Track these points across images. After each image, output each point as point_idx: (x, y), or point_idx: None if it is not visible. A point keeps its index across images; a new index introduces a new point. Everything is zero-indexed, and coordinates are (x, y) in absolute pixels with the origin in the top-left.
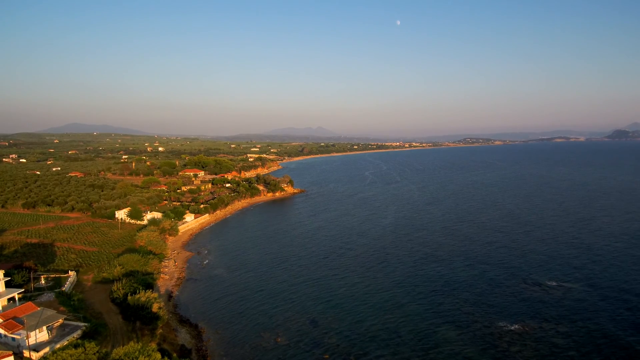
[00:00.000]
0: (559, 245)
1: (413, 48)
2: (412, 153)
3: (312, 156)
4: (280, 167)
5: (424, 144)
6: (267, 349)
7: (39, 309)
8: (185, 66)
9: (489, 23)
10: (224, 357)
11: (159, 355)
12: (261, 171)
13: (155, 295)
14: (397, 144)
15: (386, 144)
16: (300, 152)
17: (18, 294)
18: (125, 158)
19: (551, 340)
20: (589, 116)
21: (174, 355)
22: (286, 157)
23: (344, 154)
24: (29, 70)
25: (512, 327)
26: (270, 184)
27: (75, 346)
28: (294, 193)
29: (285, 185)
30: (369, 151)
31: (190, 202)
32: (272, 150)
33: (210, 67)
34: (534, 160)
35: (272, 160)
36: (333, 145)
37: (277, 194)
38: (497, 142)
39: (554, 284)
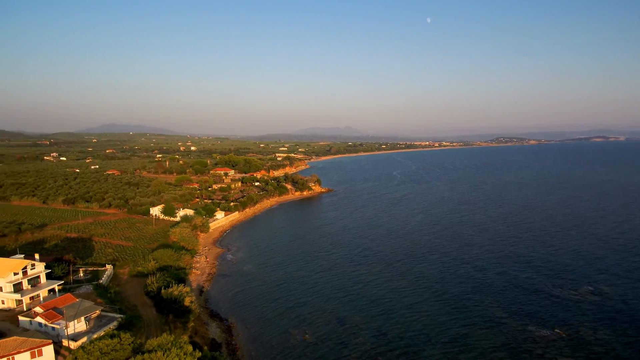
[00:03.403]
0: (599, 249)
1: (444, 45)
2: (442, 153)
3: (340, 156)
4: (307, 166)
5: (454, 144)
6: (295, 346)
7: (77, 300)
8: (217, 68)
9: (523, 19)
10: (253, 352)
11: (190, 348)
12: (289, 170)
13: (187, 289)
14: (427, 143)
15: (415, 143)
16: (327, 151)
17: (58, 285)
18: (159, 157)
19: (590, 347)
20: (629, 115)
21: (205, 348)
22: (314, 157)
23: (372, 153)
24: (68, 72)
25: (548, 333)
26: (298, 183)
27: (112, 337)
28: (322, 192)
29: (313, 184)
30: (397, 151)
31: (220, 200)
32: (299, 149)
33: (241, 68)
34: (570, 160)
35: (299, 160)
36: (361, 145)
37: (304, 192)
38: (531, 142)
39: (590, 288)
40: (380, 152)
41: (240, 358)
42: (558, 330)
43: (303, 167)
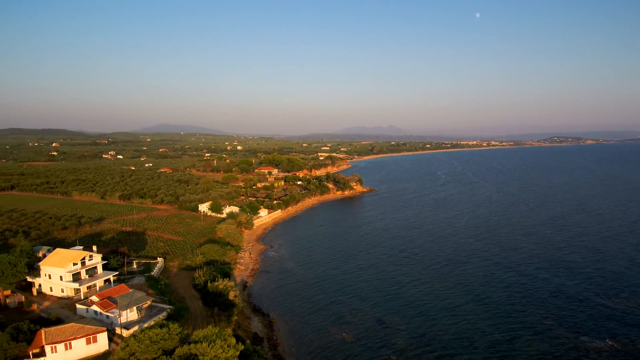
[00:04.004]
0: None
1: (492, 42)
2: (490, 152)
3: (382, 155)
4: (349, 165)
5: (504, 143)
6: (334, 344)
7: (130, 290)
8: (262, 69)
9: (581, 14)
10: (293, 348)
11: (234, 341)
12: (331, 170)
13: (232, 284)
14: (474, 142)
15: (461, 142)
16: (370, 151)
17: (113, 276)
18: (207, 156)
19: None
20: None
21: (248, 342)
22: (356, 156)
23: (416, 153)
24: (126, 75)
25: (600, 344)
26: (340, 182)
27: (161, 326)
28: (363, 192)
29: (355, 183)
30: (442, 150)
31: (264, 198)
32: (342, 149)
33: (286, 69)
34: (630, 162)
35: (341, 159)
36: (404, 144)
37: (346, 192)
38: (588, 142)
39: None
40: (424, 152)
41: (280, 353)
42: (612, 342)
43: (345, 167)
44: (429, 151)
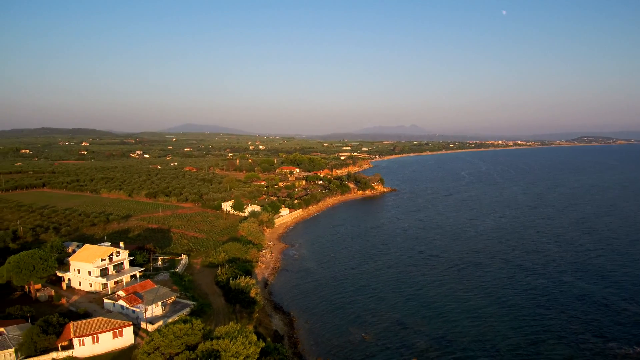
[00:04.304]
0: None
1: (518, 39)
2: (516, 152)
3: (404, 155)
4: (371, 165)
5: (530, 143)
6: (355, 344)
7: (155, 286)
8: (282, 70)
9: (608, 10)
10: (313, 347)
11: (255, 338)
12: (352, 169)
13: (253, 281)
14: (499, 142)
15: (486, 142)
16: (391, 150)
17: (139, 272)
18: (230, 155)
19: None
20: None
21: (268, 339)
22: (377, 156)
23: (439, 153)
24: (152, 76)
25: (630, 351)
26: (361, 182)
27: (184, 322)
28: (385, 192)
29: (376, 183)
30: (466, 150)
31: (285, 197)
32: (363, 148)
33: (309, 69)
34: None
35: (363, 159)
36: (427, 144)
37: (367, 192)
38: (619, 142)
39: None
40: (447, 152)
41: (301, 352)
42: None
43: (366, 167)
44: (453, 151)
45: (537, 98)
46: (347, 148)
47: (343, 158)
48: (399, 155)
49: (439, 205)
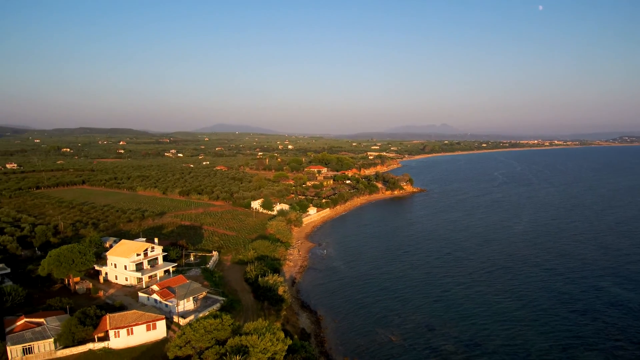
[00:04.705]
0: None
1: (555, 36)
2: (553, 152)
3: (435, 155)
4: (399, 165)
5: (568, 143)
6: (382, 345)
7: (187, 281)
8: (312, 70)
9: None
10: (340, 347)
11: (282, 335)
12: (380, 169)
13: (281, 279)
14: (535, 142)
15: (521, 142)
16: (421, 150)
17: (172, 267)
18: (260, 155)
19: None
20: None
21: (296, 337)
22: (406, 156)
23: (471, 152)
24: (186, 77)
25: None
26: (389, 182)
27: (215, 317)
28: (414, 192)
29: (405, 183)
30: (499, 150)
31: (313, 196)
32: (392, 148)
33: (336, 70)
34: None
35: (391, 159)
36: (458, 144)
37: (395, 192)
38: None
39: None
40: (480, 152)
41: (327, 351)
42: None
43: (395, 166)
44: (485, 150)
45: (577, 96)
46: (376, 147)
47: (371, 157)
48: (429, 155)
49: (469, 206)
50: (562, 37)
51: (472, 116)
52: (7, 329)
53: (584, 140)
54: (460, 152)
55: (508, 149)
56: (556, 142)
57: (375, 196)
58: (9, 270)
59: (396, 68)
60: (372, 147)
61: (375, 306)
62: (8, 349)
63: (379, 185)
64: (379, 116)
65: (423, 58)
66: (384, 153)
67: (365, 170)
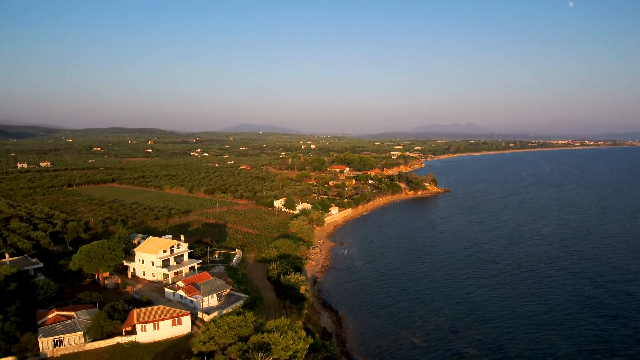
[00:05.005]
0: None
1: (586, 32)
2: (584, 152)
3: (460, 155)
4: (423, 165)
5: (600, 143)
6: (403, 347)
7: (212, 278)
8: (335, 70)
9: None
10: (362, 347)
11: (304, 333)
12: (403, 169)
13: (303, 278)
14: (565, 142)
15: (550, 142)
16: (446, 150)
17: (197, 264)
18: (283, 154)
19: None
20: None
21: (317, 336)
22: (430, 155)
23: (497, 152)
24: (211, 78)
25: None
26: (412, 182)
27: (238, 314)
28: (437, 192)
29: (428, 184)
30: (527, 150)
31: (335, 196)
32: (415, 148)
33: (358, 69)
34: None
35: (415, 159)
36: (484, 143)
37: (419, 192)
38: None
39: None
40: (507, 152)
41: (349, 351)
42: None
43: (418, 166)
44: (513, 150)
45: (610, 95)
46: (399, 147)
47: (394, 157)
48: (454, 155)
49: (495, 208)
50: (594, 33)
51: (499, 115)
52: (39, 322)
53: (616, 141)
54: (486, 152)
55: (536, 149)
56: (587, 142)
57: (398, 196)
58: (41, 264)
59: (421, 67)
60: (395, 147)
61: (397, 307)
62: (40, 341)
63: (402, 185)
64: (402, 115)
65: (449, 56)
66: (407, 153)
67: (388, 170)
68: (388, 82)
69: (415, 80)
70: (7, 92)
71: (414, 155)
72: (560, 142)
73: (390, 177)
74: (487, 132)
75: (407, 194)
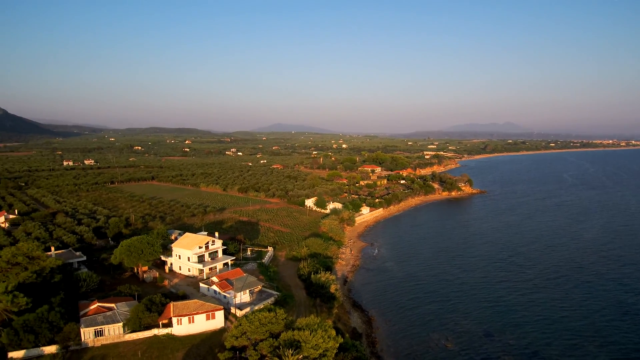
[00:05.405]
0: None
1: (633, 28)
2: (629, 153)
3: (497, 154)
4: (458, 165)
5: None
6: (436, 350)
7: (244, 274)
8: (368, 69)
9: None
10: (392, 349)
11: (334, 332)
12: (437, 169)
13: (333, 277)
14: (610, 142)
15: (594, 141)
16: (482, 149)
17: (231, 260)
18: (314, 154)
19: None
20: None
21: (347, 335)
22: (465, 155)
23: (537, 152)
24: (247, 78)
25: None
26: (446, 183)
27: (269, 310)
28: (473, 193)
29: (463, 184)
30: (569, 150)
31: (366, 196)
32: (450, 147)
33: (392, 66)
34: None
35: (449, 158)
36: (523, 143)
37: (453, 193)
38: None
39: None
40: (547, 152)
41: (379, 352)
42: None
43: (453, 166)
44: (553, 150)
45: None
46: (433, 147)
47: (428, 157)
48: (491, 155)
49: (533, 210)
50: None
51: (539, 114)
52: (81, 312)
53: None
54: (525, 152)
55: (579, 149)
56: (634, 142)
57: (431, 197)
58: (84, 258)
59: (456, 65)
60: (429, 147)
61: (428, 309)
62: (82, 330)
63: (435, 185)
64: (436, 114)
65: (486, 54)
66: (441, 152)
67: (420, 170)
68: (422, 80)
69: (450, 78)
70: (56, 93)
71: (448, 155)
72: (605, 142)
73: (423, 177)
74: (526, 131)
75: (441, 194)
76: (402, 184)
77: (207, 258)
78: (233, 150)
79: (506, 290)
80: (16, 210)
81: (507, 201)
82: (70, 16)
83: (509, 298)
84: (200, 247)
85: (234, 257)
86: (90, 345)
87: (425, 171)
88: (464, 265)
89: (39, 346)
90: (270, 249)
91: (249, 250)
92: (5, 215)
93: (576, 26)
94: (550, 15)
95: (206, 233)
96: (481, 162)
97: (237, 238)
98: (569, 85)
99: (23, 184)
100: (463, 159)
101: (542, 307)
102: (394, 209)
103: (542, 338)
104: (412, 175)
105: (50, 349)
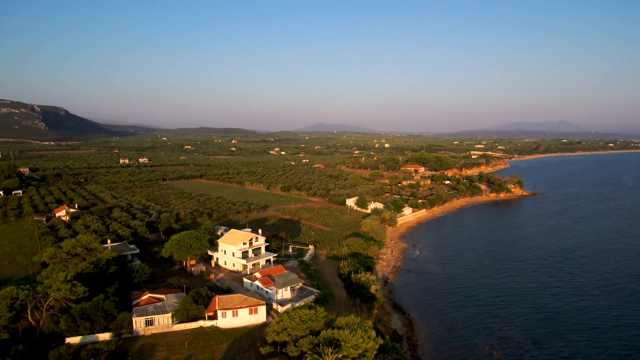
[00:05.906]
0: None
1: None
2: None
3: (550, 155)
4: (507, 165)
5: None
6: (480, 357)
7: (286, 271)
8: (411, 68)
9: None
10: (434, 353)
11: (374, 333)
12: (485, 169)
13: (374, 278)
14: None
15: None
16: (534, 149)
17: (273, 257)
18: (356, 153)
19: None
20: None
21: (387, 337)
22: (516, 155)
23: (594, 153)
24: (290, 79)
25: None
26: (494, 184)
27: (309, 308)
28: (523, 195)
29: (513, 186)
30: (630, 150)
31: (409, 196)
32: (499, 147)
33: (437, 63)
34: None
35: (498, 158)
36: (579, 143)
37: (501, 194)
38: None
39: None
40: (605, 152)
41: (420, 356)
42: None
43: (502, 167)
44: (612, 151)
45: None
46: (480, 146)
47: (474, 157)
48: (543, 155)
49: (588, 213)
50: None
51: (597, 112)
52: (134, 302)
53: None
54: (581, 153)
55: None
56: None
57: (478, 198)
58: (137, 250)
59: (506, 61)
60: (476, 146)
61: (472, 313)
62: (134, 319)
63: (483, 186)
64: (484, 112)
65: (539, 46)
66: (490, 152)
67: (467, 170)
68: (471, 76)
69: (500, 74)
70: (114, 94)
71: (497, 155)
72: None
73: (469, 178)
74: (583, 130)
75: (488, 196)
76: (446, 184)
77: (250, 254)
78: (276, 149)
79: (555, 297)
80: (76, 205)
81: (559, 204)
82: (141, 23)
83: (558, 305)
84: (244, 244)
85: (276, 254)
86: (141, 333)
87: (472, 171)
88: (510, 270)
89: (94, 333)
90: (311, 247)
91: (290, 248)
92: (66, 209)
93: (626, 17)
94: (619, 10)
95: (250, 230)
96: (533, 162)
97: (279, 235)
98: (631, 81)
99: (83, 180)
100: (513, 159)
101: (593, 315)
102: (437, 210)
103: (594, 347)
104: (457, 176)
105: (104, 336)
